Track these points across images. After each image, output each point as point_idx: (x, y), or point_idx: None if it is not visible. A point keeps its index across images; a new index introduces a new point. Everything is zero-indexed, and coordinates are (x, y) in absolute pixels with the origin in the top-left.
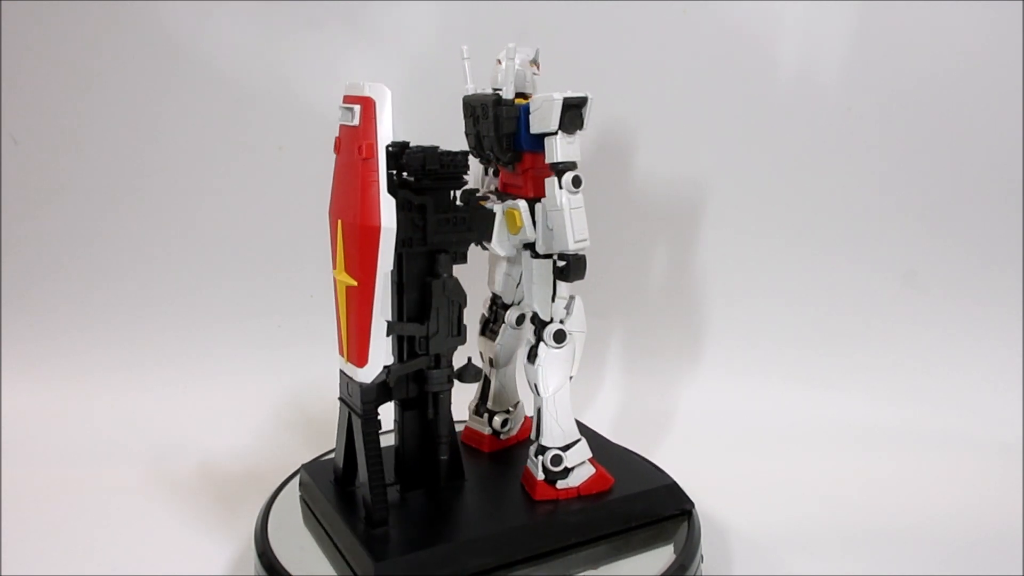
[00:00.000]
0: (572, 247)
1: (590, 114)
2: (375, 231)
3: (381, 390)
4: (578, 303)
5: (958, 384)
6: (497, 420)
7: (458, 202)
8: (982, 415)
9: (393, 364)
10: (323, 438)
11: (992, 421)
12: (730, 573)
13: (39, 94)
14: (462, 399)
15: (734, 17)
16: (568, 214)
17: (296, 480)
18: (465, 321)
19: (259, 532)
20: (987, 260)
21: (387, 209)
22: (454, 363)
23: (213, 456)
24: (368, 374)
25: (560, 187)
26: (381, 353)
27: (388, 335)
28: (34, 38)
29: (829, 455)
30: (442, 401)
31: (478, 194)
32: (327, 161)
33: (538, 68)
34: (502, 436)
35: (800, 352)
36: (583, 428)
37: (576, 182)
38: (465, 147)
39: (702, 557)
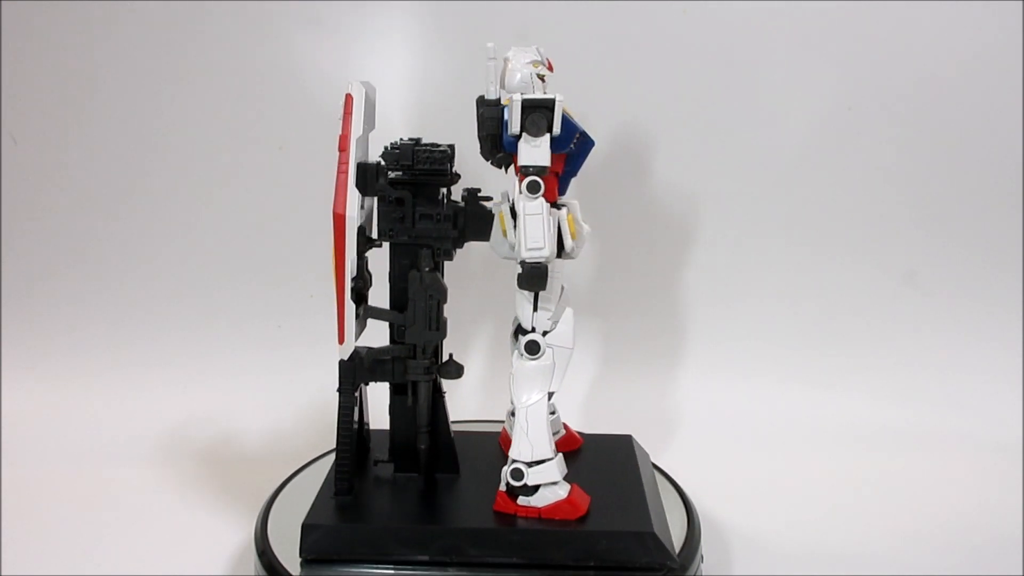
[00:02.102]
0: (524, 254)
1: (559, 118)
2: (341, 219)
3: (359, 369)
4: (567, 317)
5: (958, 384)
6: None
7: (454, 199)
8: (982, 415)
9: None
10: (323, 438)
11: (992, 421)
12: (730, 573)
13: (39, 94)
14: (473, 396)
15: (733, 17)
16: (522, 220)
17: (296, 479)
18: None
19: (259, 532)
20: (988, 260)
21: (352, 199)
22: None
23: (212, 456)
24: (343, 351)
25: (520, 192)
26: (353, 333)
27: (365, 318)
28: (34, 38)
29: (829, 455)
30: (421, 391)
31: (480, 193)
32: (327, 161)
33: (550, 68)
34: None
35: (801, 352)
36: (626, 443)
37: (532, 187)
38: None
39: (702, 557)
